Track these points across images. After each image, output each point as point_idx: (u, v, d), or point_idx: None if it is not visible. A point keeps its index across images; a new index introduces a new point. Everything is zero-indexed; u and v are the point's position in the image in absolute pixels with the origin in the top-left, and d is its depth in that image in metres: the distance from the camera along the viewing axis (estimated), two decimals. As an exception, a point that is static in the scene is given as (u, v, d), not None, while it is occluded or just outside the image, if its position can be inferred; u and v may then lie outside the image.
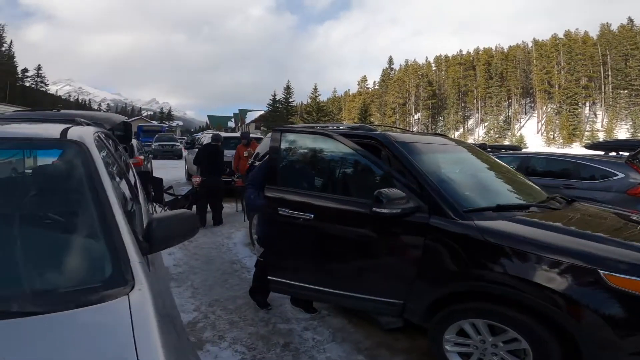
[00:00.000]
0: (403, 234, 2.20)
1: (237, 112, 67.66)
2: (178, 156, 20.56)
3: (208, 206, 5.88)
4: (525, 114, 69.37)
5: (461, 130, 70.57)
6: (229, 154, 7.49)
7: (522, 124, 67.74)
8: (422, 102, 71.09)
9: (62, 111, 4.54)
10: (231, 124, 65.84)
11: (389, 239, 2.25)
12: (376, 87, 79.51)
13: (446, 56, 76.42)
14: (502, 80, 68.05)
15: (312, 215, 2.35)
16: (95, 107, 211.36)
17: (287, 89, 43.33)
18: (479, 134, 67.73)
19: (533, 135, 62.18)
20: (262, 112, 49.21)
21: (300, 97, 78.44)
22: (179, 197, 5.96)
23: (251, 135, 7.92)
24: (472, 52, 74.15)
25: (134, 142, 8.16)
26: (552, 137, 59.79)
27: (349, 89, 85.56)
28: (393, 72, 78.25)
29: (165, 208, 5.63)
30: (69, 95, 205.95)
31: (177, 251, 4.52)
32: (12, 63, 63.40)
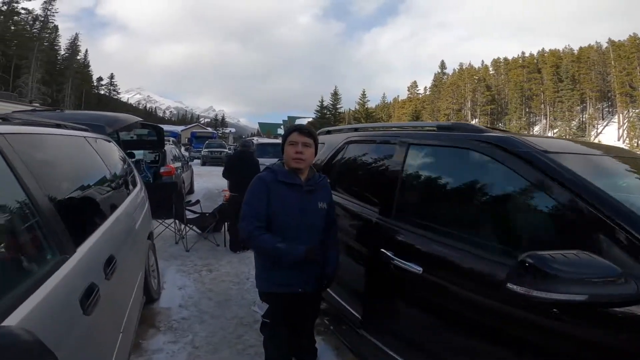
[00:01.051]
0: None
1: (286, 119, 68.81)
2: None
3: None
4: (603, 119, 61.86)
5: (524, 137, 64.53)
6: (267, 163, 6.80)
7: (599, 130, 60.43)
8: (480, 108, 66.54)
9: (66, 111, 4.12)
10: (280, 131, 66.90)
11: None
12: (427, 92, 76.26)
13: (505, 59, 70.99)
14: (574, 83, 61.44)
15: (421, 269, 1.55)
16: (161, 114, 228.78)
17: (335, 95, 42.83)
18: (544, 142, 61.27)
19: (614, 143, 54.95)
20: (310, 119, 49.17)
21: (348, 104, 77.87)
22: (206, 214, 5.31)
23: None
24: (535, 54, 68.07)
25: (170, 148, 7.83)
26: (636, 144, 52.35)
27: (397, 95, 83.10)
28: (446, 76, 74.49)
29: (188, 227, 5.02)
30: (139, 103, 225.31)
31: (190, 284, 3.84)
32: (87, 71, 67.97)
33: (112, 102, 76.45)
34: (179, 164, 8.02)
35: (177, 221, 5.06)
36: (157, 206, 5.51)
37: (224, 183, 12.42)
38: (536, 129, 65.94)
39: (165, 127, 38.75)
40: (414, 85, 76.78)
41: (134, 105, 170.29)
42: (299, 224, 1.81)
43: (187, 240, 4.99)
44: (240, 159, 4.99)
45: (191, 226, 5.04)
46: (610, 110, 61.40)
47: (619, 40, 58.82)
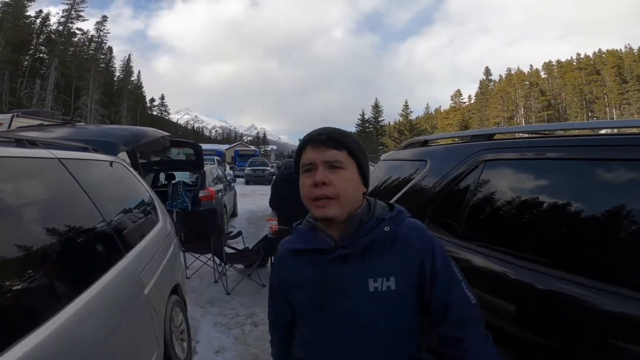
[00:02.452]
0: None
1: (326, 134, 68.21)
2: (269, 181, 20.32)
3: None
4: (681, 122, 54.52)
5: (586, 145, 58.77)
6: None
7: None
8: (535, 114, 61.82)
9: (80, 125, 3.50)
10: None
11: None
12: (472, 101, 72.58)
13: (559, 61, 65.86)
14: (642, 82, 55.24)
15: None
16: (207, 133, 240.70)
17: (376, 107, 41.74)
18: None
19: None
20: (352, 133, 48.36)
21: (389, 117, 76.04)
22: (249, 250, 4.46)
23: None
24: (591, 55, 62.40)
25: (210, 168, 7.21)
26: None
27: (439, 106, 79.91)
28: (492, 83, 70.55)
29: (227, 266, 4.16)
30: (187, 124, 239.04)
31: (230, 345, 2.97)
32: (140, 92, 70.45)
33: (163, 123, 79.41)
34: (220, 186, 7.37)
35: (214, 257, 4.25)
36: (194, 238, 4.86)
37: (263, 203, 11.83)
38: (601, 133, 59.56)
39: (212, 147, 39.92)
40: (458, 94, 73.48)
41: (183, 125, 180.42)
42: (327, 326, 0.89)
43: (227, 279, 4.14)
44: (288, 182, 4.09)
45: (228, 266, 4.18)
46: (689, 110, 54.19)
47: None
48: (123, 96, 59.89)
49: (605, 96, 58.30)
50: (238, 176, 23.91)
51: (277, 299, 1.01)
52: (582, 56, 63.87)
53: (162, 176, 7.38)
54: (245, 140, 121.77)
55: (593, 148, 1.16)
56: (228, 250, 4.35)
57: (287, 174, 4.10)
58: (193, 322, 3.15)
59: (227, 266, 4.11)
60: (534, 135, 1.67)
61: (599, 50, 62.27)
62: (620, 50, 60.11)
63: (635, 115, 55.23)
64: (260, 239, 4.96)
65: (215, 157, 21.88)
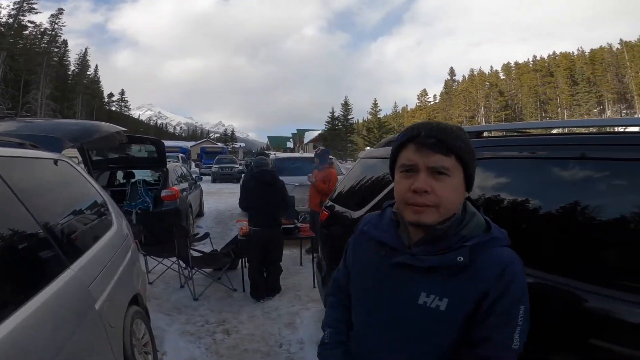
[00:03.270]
0: None
1: (295, 132, 68.14)
2: (237, 179, 19.86)
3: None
4: (621, 122, 59.50)
5: (540, 143, 62.79)
6: (290, 182, 5.74)
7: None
8: (494, 114, 65.00)
9: (23, 119, 3.14)
10: (290, 145, 66.33)
11: None
12: (437, 100, 75.13)
13: (516, 63, 69.70)
14: (590, 85, 59.68)
15: None
16: (171, 130, 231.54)
17: (345, 105, 41.99)
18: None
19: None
20: (320, 131, 48.39)
21: (358, 115, 77.24)
22: (218, 253, 4.21)
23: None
24: (546, 57, 66.61)
25: (174, 166, 6.81)
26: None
27: (406, 105, 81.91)
28: (456, 83, 73.40)
29: (194, 270, 3.89)
30: (150, 120, 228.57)
31: (201, 356, 2.72)
32: (98, 87, 67.17)
33: (122, 119, 75.97)
34: (185, 185, 6.99)
35: (180, 262, 3.96)
36: (156, 240, 4.52)
37: (232, 202, 11.48)
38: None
39: (176, 144, 38.38)
40: (424, 93, 75.80)
41: (145, 121, 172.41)
42: (370, 313, 0.91)
43: (194, 284, 3.87)
44: (259, 182, 3.85)
45: (195, 270, 3.91)
46: (629, 112, 59.22)
47: (631, 41, 57.20)
48: (78, 91, 56.47)
49: (558, 97, 62.40)
50: (204, 174, 23.29)
51: (343, 264, 1.07)
52: (538, 58, 67.96)
53: (120, 174, 6.87)
54: (212, 137, 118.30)
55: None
56: (194, 253, 4.07)
57: (257, 172, 3.88)
58: (158, 332, 2.88)
59: (193, 270, 3.84)
60: (515, 134, 1.62)
61: (553, 52, 66.57)
62: (573, 53, 64.59)
63: (585, 116, 59.57)
64: (229, 241, 4.71)
65: (180, 155, 21.02)
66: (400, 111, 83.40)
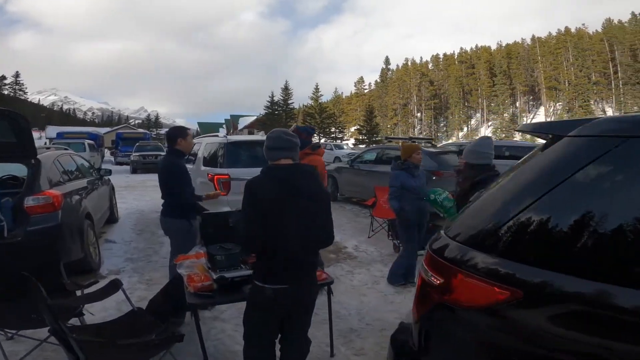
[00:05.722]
0: None
1: (229, 117, 63.51)
2: None
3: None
4: (529, 112, 66.66)
5: (465, 130, 67.58)
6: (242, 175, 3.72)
7: (528, 122, 64.98)
8: (424, 103, 67.95)
9: None
10: (223, 131, 61.28)
11: None
12: (372, 88, 76.29)
13: (445, 54, 73.71)
14: (506, 78, 65.45)
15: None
16: (81, 116, 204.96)
17: (286, 89, 39.58)
18: (483, 133, 64.72)
19: (541, 134, 59.09)
20: (256, 117, 45.27)
21: (298, 101, 75.27)
22: (137, 314, 1.94)
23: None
24: (469, 50, 71.52)
25: (52, 156, 4.05)
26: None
27: (341, 92, 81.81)
28: (390, 72, 75.20)
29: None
30: (53, 105, 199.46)
31: None
32: None
33: (17, 103, 65.13)
34: (83, 182, 4.39)
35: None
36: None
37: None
38: (472, 122, 69.15)
39: (82, 129, 32.05)
40: (361, 80, 76.35)
41: (47, 107, 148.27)
42: None
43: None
44: (288, 190, 1.70)
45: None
46: (535, 103, 66.44)
47: (540, 37, 63.95)
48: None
49: (479, 88, 67.39)
50: (122, 163, 19.24)
51: None
52: (463, 51, 72.49)
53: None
54: (133, 123, 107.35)
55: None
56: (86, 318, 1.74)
57: (283, 170, 1.71)
58: None
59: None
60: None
61: (476, 46, 71.55)
62: (491, 47, 70.04)
63: (501, 106, 65.31)
64: (169, 282, 2.44)
65: (87, 142, 16.86)
66: (337, 97, 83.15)
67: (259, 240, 1.60)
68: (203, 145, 5.44)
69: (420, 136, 46.23)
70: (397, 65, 75.19)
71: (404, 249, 3.80)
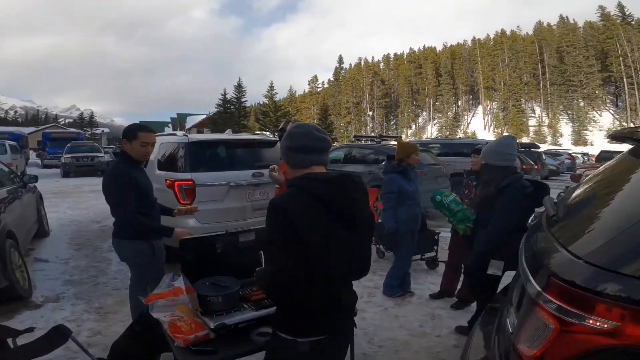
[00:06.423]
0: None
1: (175, 116, 59.94)
2: (102, 171, 15.02)
3: None
4: (469, 110, 71.33)
5: (413, 128, 70.49)
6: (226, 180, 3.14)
7: (468, 121, 69.44)
8: (376, 101, 69.74)
9: None
10: (168, 129, 57.63)
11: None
12: (325, 86, 76.76)
13: (396, 54, 76.27)
14: (450, 78, 69.31)
15: None
16: (2, 115, 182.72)
17: (239, 87, 37.97)
18: (430, 132, 67.97)
19: (481, 131, 63.63)
20: (205, 115, 43.07)
21: (252, 99, 73.28)
22: None
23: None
24: (417, 51, 74.74)
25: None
26: (501, 132, 61.61)
27: (294, 91, 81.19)
28: (344, 71, 76.14)
29: None
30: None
31: None
32: None
33: None
34: (2, 192, 3.38)
35: None
36: None
37: (103, 207, 7.41)
38: (419, 121, 72.47)
39: (4, 129, 28.05)
40: (315, 79, 76.39)
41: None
42: None
43: None
44: (339, 217, 1.19)
45: None
46: (474, 102, 71.26)
47: (480, 39, 68.68)
48: None
49: (426, 87, 70.65)
50: (50, 166, 17.29)
51: None
52: (412, 51, 75.48)
53: None
54: (63, 122, 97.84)
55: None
56: None
57: (334, 187, 1.18)
58: None
59: None
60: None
61: (424, 46, 74.86)
62: (437, 47, 73.77)
63: (445, 105, 69.03)
64: (136, 320, 1.75)
65: (8, 143, 14.58)
66: (291, 96, 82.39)
67: (302, 287, 1.07)
68: (157, 145, 4.57)
69: (390, 134, 47.24)
70: (351, 65, 76.43)
71: (396, 259, 3.45)
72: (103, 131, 60.05)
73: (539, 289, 0.98)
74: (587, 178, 1.63)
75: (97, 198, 8.45)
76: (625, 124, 54.20)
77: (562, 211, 1.32)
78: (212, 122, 37.54)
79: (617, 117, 55.89)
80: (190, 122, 50.57)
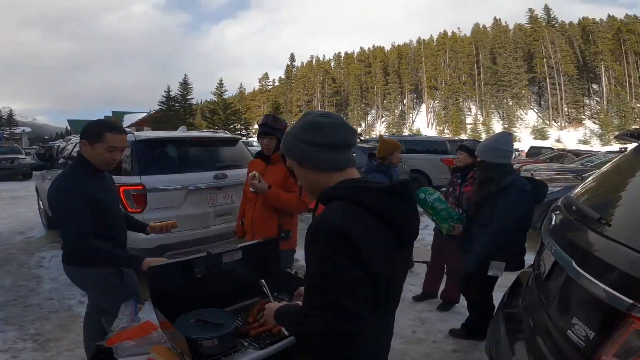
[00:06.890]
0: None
1: (111, 114, 55.10)
2: (24, 175, 13.25)
3: None
4: (414, 109, 75.02)
5: (363, 126, 72.34)
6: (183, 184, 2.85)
7: (414, 118, 73.01)
8: (327, 99, 70.35)
9: None
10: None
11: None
12: (276, 84, 75.79)
13: (346, 53, 77.50)
14: (397, 77, 72.17)
15: None
16: None
17: (185, 84, 35.75)
18: (378, 129, 70.30)
19: (425, 129, 67.24)
20: (146, 113, 40.07)
21: (199, 96, 69.34)
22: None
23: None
24: (367, 50, 76.77)
25: None
26: (442, 130, 65.55)
27: (244, 88, 79.08)
28: (295, 69, 75.70)
29: None
30: None
31: None
32: None
33: None
34: None
35: None
36: None
37: (27, 216, 6.31)
38: (368, 118, 74.64)
39: None
40: (265, 77, 74.95)
41: None
42: None
43: None
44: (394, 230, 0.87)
45: None
46: (418, 101, 75.11)
47: (424, 39, 72.33)
48: None
49: (375, 86, 72.82)
50: None
51: None
52: (362, 50, 77.23)
53: None
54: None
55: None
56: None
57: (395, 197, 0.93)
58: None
59: None
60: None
61: (373, 45, 76.97)
62: (385, 47, 76.28)
63: (393, 103, 71.75)
64: (95, 354, 1.21)
65: None
66: (240, 93, 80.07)
67: (372, 331, 0.79)
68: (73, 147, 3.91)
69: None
70: (302, 63, 76.26)
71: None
72: (24, 130, 53.64)
73: (631, 301, 0.89)
74: (592, 177, 1.67)
75: (19, 205, 7.21)
76: (547, 122, 60.53)
77: (604, 211, 1.23)
78: (155, 121, 35.06)
79: (540, 115, 62.29)
80: (128, 120, 46.72)
